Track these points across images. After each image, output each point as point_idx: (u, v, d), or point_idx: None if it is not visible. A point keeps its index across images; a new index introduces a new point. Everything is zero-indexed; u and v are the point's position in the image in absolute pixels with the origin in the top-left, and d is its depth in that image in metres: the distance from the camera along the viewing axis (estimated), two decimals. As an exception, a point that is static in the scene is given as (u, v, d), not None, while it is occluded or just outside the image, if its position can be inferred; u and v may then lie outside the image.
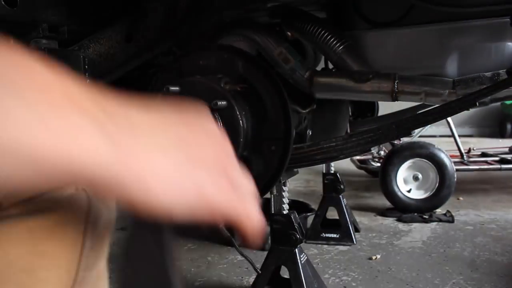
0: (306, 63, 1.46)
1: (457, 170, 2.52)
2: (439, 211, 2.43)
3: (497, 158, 3.15)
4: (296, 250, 1.27)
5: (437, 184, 2.43)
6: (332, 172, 2.08)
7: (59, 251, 0.39)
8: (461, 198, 2.78)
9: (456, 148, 3.17)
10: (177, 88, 1.03)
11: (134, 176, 0.31)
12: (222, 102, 0.99)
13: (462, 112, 1.14)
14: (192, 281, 1.65)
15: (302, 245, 1.31)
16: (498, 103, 2.23)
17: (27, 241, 0.37)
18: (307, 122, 1.46)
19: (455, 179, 2.44)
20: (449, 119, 3.07)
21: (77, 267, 0.40)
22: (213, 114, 1.01)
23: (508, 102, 5.94)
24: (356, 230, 2.14)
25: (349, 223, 2.01)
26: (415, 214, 2.38)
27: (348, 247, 1.96)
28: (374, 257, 1.82)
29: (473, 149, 3.51)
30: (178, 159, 0.34)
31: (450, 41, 1.27)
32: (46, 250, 0.38)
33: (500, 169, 2.97)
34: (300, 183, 3.37)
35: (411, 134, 1.24)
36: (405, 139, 2.79)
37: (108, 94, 0.33)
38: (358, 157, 3.40)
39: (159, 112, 0.37)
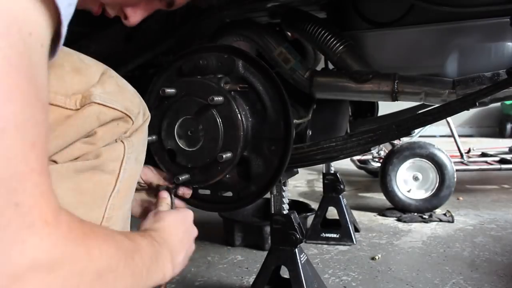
0: (306, 63, 1.46)
1: (457, 170, 2.52)
2: (439, 211, 2.43)
3: (497, 158, 3.15)
4: (296, 250, 1.27)
5: (437, 184, 2.43)
6: (332, 172, 2.08)
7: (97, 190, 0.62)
8: (461, 198, 2.78)
9: (456, 148, 3.17)
10: (173, 90, 1.04)
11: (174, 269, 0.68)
12: (219, 98, 1.00)
13: (462, 112, 1.15)
14: (192, 281, 1.65)
15: (302, 245, 1.31)
16: (498, 103, 2.23)
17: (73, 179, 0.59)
18: (307, 122, 1.46)
19: (455, 179, 2.44)
20: (449, 119, 3.07)
21: (106, 206, 0.64)
22: (211, 110, 1.02)
23: (508, 102, 5.94)
24: (356, 230, 2.14)
25: (349, 223, 2.01)
26: (415, 214, 2.38)
27: (348, 247, 1.96)
28: (377, 257, 1.82)
29: (473, 149, 3.51)
30: (183, 254, 0.74)
31: (450, 41, 1.27)
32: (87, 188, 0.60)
33: (500, 169, 2.97)
34: (300, 183, 3.37)
35: (411, 134, 1.24)
36: (405, 139, 2.79)
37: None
38: (358, 157, 3.40)
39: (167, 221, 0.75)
